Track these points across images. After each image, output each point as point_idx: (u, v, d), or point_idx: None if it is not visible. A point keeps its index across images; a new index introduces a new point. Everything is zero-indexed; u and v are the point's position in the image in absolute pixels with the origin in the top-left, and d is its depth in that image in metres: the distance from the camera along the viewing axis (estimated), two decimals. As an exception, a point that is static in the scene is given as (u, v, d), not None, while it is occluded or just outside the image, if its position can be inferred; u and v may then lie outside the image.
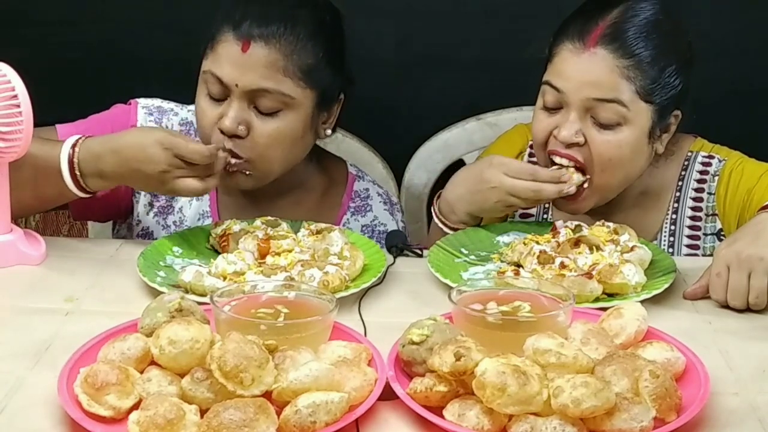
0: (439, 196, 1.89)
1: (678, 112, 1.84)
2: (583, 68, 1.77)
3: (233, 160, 1.77)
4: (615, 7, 1.80)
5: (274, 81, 1.76)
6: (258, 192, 1.90)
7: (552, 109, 1.82)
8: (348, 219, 2.00)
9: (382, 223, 2.01)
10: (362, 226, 2.00)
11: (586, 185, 1.82)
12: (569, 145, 1.80)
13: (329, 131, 1.90)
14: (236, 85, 1.76)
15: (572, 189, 1.79)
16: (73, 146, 1.70)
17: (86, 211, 1.94)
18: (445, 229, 1.87)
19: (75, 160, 1.69)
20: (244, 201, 1.95)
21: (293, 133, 1.81)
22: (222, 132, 1.77)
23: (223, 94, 1.78)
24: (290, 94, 1.77)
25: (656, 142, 1.84)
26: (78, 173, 1.70)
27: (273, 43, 1.76)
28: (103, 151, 1.69)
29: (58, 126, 1.88)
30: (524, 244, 1.73)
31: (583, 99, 1.78)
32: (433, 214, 1.89)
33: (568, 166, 1.81)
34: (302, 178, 1.96)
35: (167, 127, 1.95)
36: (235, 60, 1.76)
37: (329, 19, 1.85)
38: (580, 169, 1.81)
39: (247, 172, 1.80)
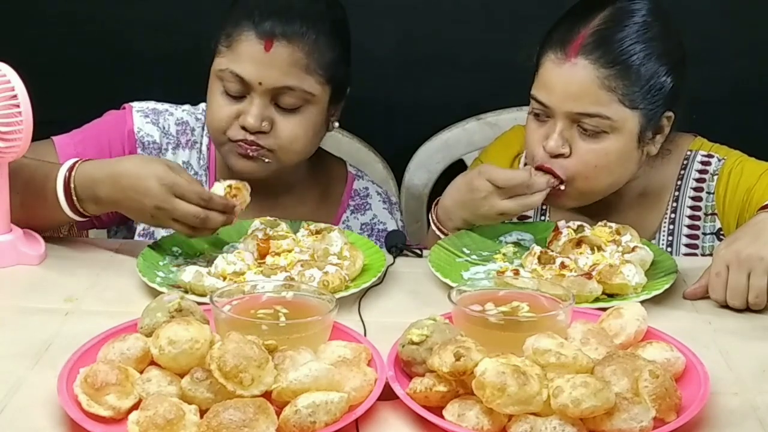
0: (437, 203, 1.89)
1: (670, 114, 1.83)
2: (564, 80, 1.76)
3: (254, 148, 1.80)
4: (599, 13, 1.78)
5: (296, 79, 1.79)
6: (259, 188, 1.90)
7: (541, 120, 1.82)
8: (348, 217, 2.01)
9: (381, 222, 2.02)
10: (362, 225, 2.01)
11: (562, 187, 1.80)
12: (555, 156, 1.79)
13: (336, 123, 1.93)
14: (259, 84, 1.78)
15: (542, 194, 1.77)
16: (70, 170, 1.68)
17: (90, 221, 1.94)
18: (442, 237, 1.86)
19: (72, 185, 1.67)
20: None
21: (313, 127, 1.85)
22: (244, 128, 1.80)
23: (242, 92, 1.80)
24: (311, 91, 1.81)
25: (648, 145, 1.83)
26: (74, 198, 1.68)
27: (296, 41, 1.78)
28: (101, 177, 1.66)
29: (54, 138, 1.88)
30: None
31: (566, 112, 1.77)
32: (431, 220, 1.89)
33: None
34: (303, 176, 1.97)
35: (164, 128, 1.95)
36: (257, 59, 1.77)
37: (341, 14, 1.87)
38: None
39: (267, 160, 1.83)
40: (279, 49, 1.77)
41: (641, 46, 1.76)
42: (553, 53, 1.78)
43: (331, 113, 1.90)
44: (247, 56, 1.78)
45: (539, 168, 1.81)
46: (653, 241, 1.93)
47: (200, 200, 1.63)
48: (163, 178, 1.62)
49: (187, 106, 1.99)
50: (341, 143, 2.25)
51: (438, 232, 1.87)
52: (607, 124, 1.76)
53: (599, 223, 1.79)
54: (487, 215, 1.80)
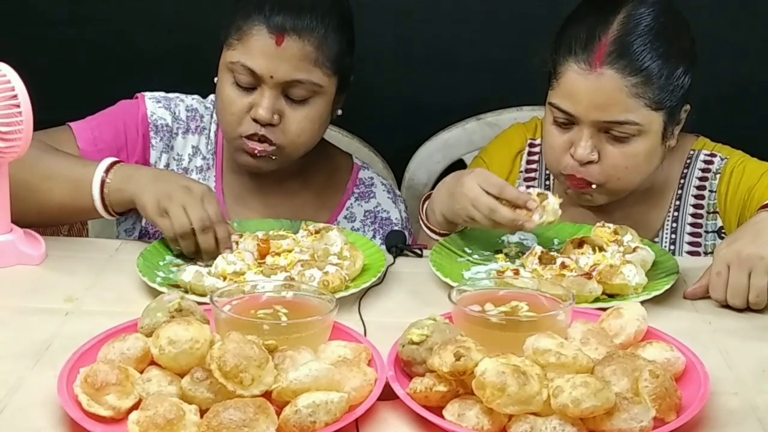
0: (428, 197, 1.88)
1: (687, 106, 1.84)
2: (591, 90, 1.75)
3: (260, 147, 1.83)
4: (614, 16, 1.76)
5: (306, 72, 1.82)
6: (263, 174, 1.92)
7: (564, 126, 1.81)
8: (351, 204, 2.04)
9: (384, 210, 2.04)
10: (365, 212, 2.03)
11: (593, 186, 1.81)
12: (585, 163, 1.79)
13: (339, 111, 1.95)
14: (271, 77, 1.81)
15: (531, 225, 1.67)
16: (107, 170, 1.74)
17: None
18: (425, 230, 1.86)
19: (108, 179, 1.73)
20: (250, 183, 1.98)
21: (320, 118, 1.88)
22: (255, 120, 1.82)
23: (253, 84, 1.83)
24: (319, 83, 1.83)
25: (669, 138, 1.84)
26: (106, 192, 1.73)
27: (306, 35, 1.80)
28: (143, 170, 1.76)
29: (71, 124, 1.91)
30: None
31: (594, 121, 1.77)
32: (419, 213, 1.89)
33: (543, 194, 1.70)
34: (308, 162, 1.98)
35: (175, 113, 1.98)
36: (269, 53, 1.80)
37: (346, 6, 1.90)
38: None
39: (274, 157, 1.86)
40: (290, 43, 1.80)
41: (661, 48, 1.76)
42: (575, 62, 1.76)
43: (336, 102, 1.92)
44: (258, 50, 1.80)
45: (571, 178, 1.81)
46: (657, 239, 1.94)
47: (221, 224, 1.69)
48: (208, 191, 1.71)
49: (196, 96, 2.03)
50: (341, 143, 2.25)
51: (423, 226, 1.86)
52: (635, 129, 1.77)
53: (597, 224, 1.79)
54: (457, 214, 1.74)
